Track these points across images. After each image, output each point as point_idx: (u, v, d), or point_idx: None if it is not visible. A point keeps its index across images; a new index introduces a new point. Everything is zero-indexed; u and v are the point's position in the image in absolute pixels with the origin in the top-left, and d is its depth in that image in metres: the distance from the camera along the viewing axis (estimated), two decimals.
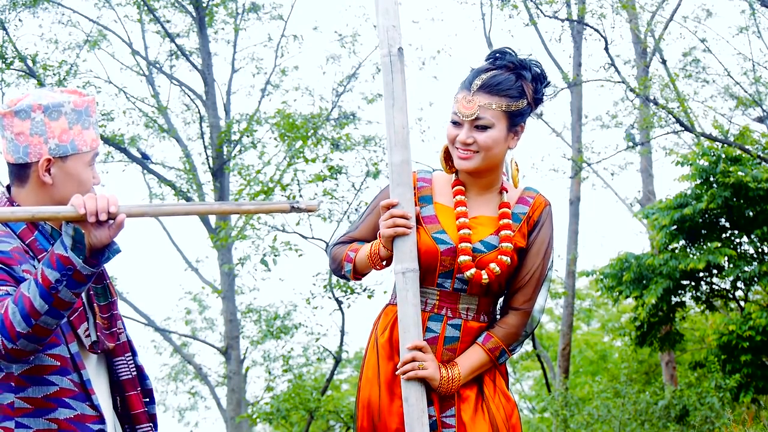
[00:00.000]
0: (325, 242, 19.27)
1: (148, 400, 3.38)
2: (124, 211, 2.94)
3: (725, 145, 16.06)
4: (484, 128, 3.68)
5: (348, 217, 19.35)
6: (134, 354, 3.38)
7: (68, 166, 3.22)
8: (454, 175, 3.82)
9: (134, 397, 3.29)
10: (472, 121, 3.66)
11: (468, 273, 3.63)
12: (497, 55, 3.74)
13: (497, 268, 3.65)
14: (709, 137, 16.41)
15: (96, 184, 3.32)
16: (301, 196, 18.44)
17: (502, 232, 3.71)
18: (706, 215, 16.03)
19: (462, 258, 3.64)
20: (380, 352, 3.73)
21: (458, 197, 3.75)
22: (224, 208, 3.12)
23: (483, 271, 3.64)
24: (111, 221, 2.93)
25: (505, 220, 3.72)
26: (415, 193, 3.73)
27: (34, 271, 2.98)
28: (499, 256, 3.67)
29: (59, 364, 3.12)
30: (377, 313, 3.86)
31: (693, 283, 16.78)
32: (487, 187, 3.80)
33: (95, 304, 3.27)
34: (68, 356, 3.14)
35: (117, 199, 2.92)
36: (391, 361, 3.71)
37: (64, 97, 3.25)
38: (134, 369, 3.32)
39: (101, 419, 3.17)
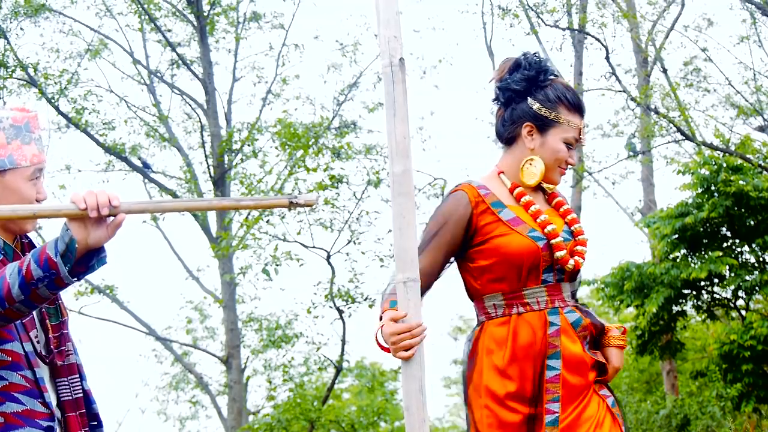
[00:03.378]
0: (326, 251, 19.29)
1: (96, 423, 3.39)
2: (124, 208, 2.94)
3: (726, 154, 16.07)
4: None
5: (349, 227, 19.36)
6: (82, 378, 3.38)
7: (7, 181, 3.22)
8: (502, 177, 3.94)
9: (72, 419, 3.28)
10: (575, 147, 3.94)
11: (569, 264, 3.81)
12: (554, 68, 3.98)
13: (585, 250, 3.90)
14: (711, 146, 16.43)
15: (41, 200, 3.32)
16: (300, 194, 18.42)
17: (569, 217, 3.95)
18: (708, 224, 16.02)
19: (559, 253, 3.80)
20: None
21: (526, 198, 3.88)
22: (224, 204, 3.14)
23: (578, 258, 3.86)
24: (111, 218, 2.93)
25: (566, 208, 3.98)
26: (482, 200, 3.82)
27: (21, 259, 3.00)
28: (578, 237, 3.91)
29: (10, 359, 3.14)
30: (473, 336, 3.88)
31: (694, 292, 16.77)
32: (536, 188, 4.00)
33: (48, 322, 3.28)
34: (22, 353, 3.16)
35: (117, 195, 2.93)
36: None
37: (2, 114, 3.25)
38: (79, 392, 3.32)
39: (52, 417, 3.18)
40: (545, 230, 3.81)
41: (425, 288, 3.77)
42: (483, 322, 3.84)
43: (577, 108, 3.88)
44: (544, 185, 4.00)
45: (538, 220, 3.83)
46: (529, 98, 3.89)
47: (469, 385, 3.84)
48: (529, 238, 3.77)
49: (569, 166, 3.92)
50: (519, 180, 3.91)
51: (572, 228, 3.92)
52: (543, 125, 3.86)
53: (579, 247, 3.88)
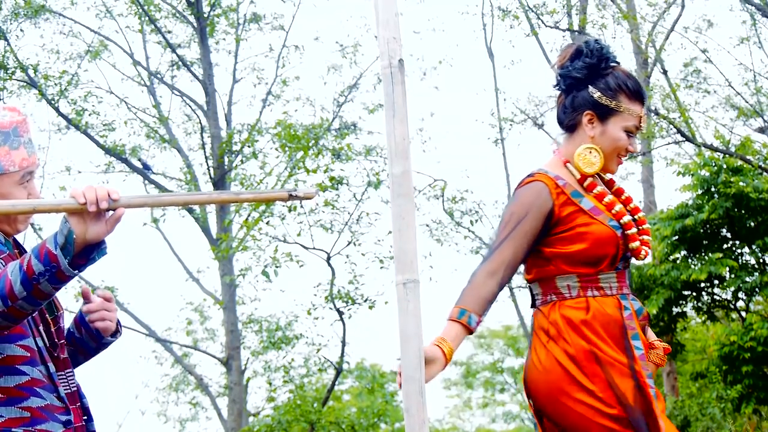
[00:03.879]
0: (326, 252, 19.29)
1: (86, 417, 3.39)
2: (124, 202, 2.94)
3: (726, 156, 16.06)
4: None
5: (349, 228, 19.36)
6: (73, 372, 3.40)
7: None
8: (569, 167, 3.93)
9: (73, 411, 3.29)
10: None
11: (642, 254, 3.87)
12: (615, 56, 3.97)
13: (649, 239, 3.94)
14: (711, 147, 16.42)
15: None
16: (302, 206, 18.46)
17: (631, 205, 3.98)
18: (708, 226, 16.02)
19: (634, 244, 3.84)
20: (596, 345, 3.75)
21: (599, 188, 3.91)
22: (223, 197, 3.13)
23: (646, 248, 3.90)
24: (110, 212, 2.93)
25: (626, 195, 4.01)
26: (561, 191, 3.83)
27: (21, 257, 3.01)
28: (643, 226, 3.94)
29: (29, 355, 3.16)
30: (544, 313, 3.85)
31: (694, 294, 16.77)
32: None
33: (47, 317, 3.29)
34: (36, 348, 3.19)
35: (117, 189, 2.93)
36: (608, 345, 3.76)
37: None
38: (74, 385, 3.33)
39: (67, 410, 3.21)
40: (621, 221, 3.84)
41: (507, 280, 3.78)
42: (554, 302, 3.82)
43: (638, 96, 3.89)
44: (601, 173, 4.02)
45: (612, 211, 3.85)
46: (590, 86, 3.89)
47: (542, 359, 3.79)
48: (610, 227, 3.80)
49: (626, 155, 3.94)
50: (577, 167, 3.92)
51: (636, 216, 3.96)
52: (603, 114, 3.87)
53: (645, 237, 3.91)
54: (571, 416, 3.72)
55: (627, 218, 3.85)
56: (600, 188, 3.89)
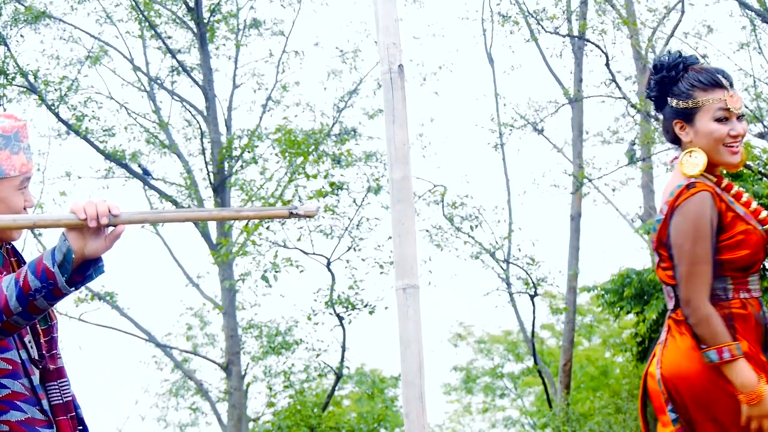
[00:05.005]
0: (326, 258, 19.28)
1: (81, 428, 3.37)
2: (124, 217, 2.94)
3: None
4: (741, 117, 3.92)
5: (349, 233, 19.35)
6: (68, 381, 3.38)
7: None
8: (705, 174, 3.91)
9: (63, 422, 3.26)
10: (738, 115, 3.89)
11: None
12: (687, 59, 3.99)
13: None
14: None
15: (28, 207, 3.32)
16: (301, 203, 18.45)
17: (752, 206, 3.95)
18: None
19: None
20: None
21: (735, 189, 3.94)
22: (224, 214, 3.14)
23: None
24: (110, 228, 2.93)
25: (746, 198, 3.97)
26: (720, 197, 3.83)
27: (17, 270, 3.00)
28: None
29: (11, 368, 3.14)
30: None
31: None
32: None
33: (38, 327, 3.27)
34: (19, 361, 3.17)
35: (117, 205, 2.93)
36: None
37: None
38: (68, 395, 3.31)
39: (50, 424, 3.19)
40: (759, 217, 3.89)
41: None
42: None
43: (714, 83, 3.89)
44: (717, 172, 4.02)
45: (751, 208, 3.90)
46: (668, 98, 3.97)
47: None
48: (761, 231, 3.84)
49: (736, 140, 3.90)
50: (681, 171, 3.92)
51: (754, 211, 3.98)
52: (687, 116, 3.91)
53: None
54: (728, 413, 3.73)
55: (764, 214, 3.89)
56: (737, 189, 3.93)
